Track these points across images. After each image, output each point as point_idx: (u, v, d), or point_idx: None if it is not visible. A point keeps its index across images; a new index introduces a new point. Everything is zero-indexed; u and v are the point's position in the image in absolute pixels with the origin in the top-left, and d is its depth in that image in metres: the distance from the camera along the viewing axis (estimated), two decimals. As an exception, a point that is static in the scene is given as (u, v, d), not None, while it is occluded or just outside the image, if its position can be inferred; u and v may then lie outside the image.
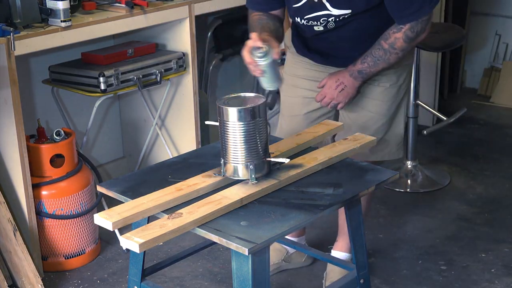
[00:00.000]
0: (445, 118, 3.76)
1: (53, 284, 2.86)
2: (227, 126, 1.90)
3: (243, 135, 1.90)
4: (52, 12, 2.70)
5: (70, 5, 2.79)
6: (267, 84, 2.20)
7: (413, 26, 2.26)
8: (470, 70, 5.18)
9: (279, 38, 2.32)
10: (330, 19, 2.28)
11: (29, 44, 2.63)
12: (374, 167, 2.09)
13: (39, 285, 2.68)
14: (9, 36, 2.54)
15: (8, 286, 2.69)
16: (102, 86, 2.93)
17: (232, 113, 1.89)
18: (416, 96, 3.69)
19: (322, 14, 2.28)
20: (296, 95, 2.59)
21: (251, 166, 1.92)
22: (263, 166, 1.96)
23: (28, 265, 2.68)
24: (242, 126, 1.89)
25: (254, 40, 2.05)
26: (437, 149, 4.17)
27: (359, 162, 2.14)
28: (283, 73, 2.62)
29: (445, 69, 4.80)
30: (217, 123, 1.97)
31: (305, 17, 2.31)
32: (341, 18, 2.28)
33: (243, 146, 1.91)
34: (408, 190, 3.63)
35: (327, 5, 2.24)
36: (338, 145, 2.18)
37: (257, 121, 1.90)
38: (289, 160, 2.00)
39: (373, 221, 3.29)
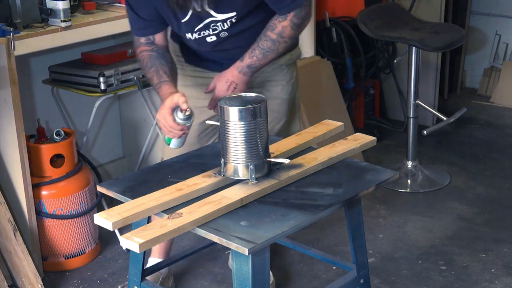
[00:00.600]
0: (445, 118, 3.76)
1: (53, 284, 2.86)
2: (228, 126, 1.90)
3: (243, 135, 1.90)
4: (52, 12, 2.70)
5: (70, 5, 2.79)
6: (177, 143, 2.20)
7: (298, 13, 2.25)
8: (470, 70, 5.18)
9: (176, 75, 2.35)
10: (218, 25, 2.25)
11: (29, 44, 2.63)
12: (374, 167, 2.09)
13: (39, 285, 2.68)
14: (9, 36, 2.54)
15: (8, 286, 2.69)
16: (102, 86, 2.93)
17: (233, 112, 1.89)
18: (416, 96, 3.69)
19: (210, 21, 2.24)
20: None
21: (251, 166, 1.92)
22: (263, 166, 1.96)
23: (28, 265, 2.68)
24: (243, 126, 1.89)
25: (178, 102, 2.09)
26: (437, 149, 4.17)
27: (359, 162, 2.14)
28: None
29: (445, 69, 4.80)
30: (217, 123, 1.96)
31: (196, 30, 2.28)
32: (228, 22, 2.24)
33: (244, 146, 1.91)
34: (408, 190, 3.63)
35: (211, 12, 2.21)
36: (338, 145, 2.18)
37: (258, 121, 1.90)
38: (289, 160, 2.00)
39: (373, 221, 3.29)
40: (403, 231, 3.21)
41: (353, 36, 4.05)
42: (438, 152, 4.12)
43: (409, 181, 3.70)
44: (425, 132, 3.76)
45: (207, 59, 2.44)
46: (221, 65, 2.38)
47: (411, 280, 2.82)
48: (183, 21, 2.25)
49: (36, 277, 2.68)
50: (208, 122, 2.15)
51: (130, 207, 1.82)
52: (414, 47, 3.58)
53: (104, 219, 1.76)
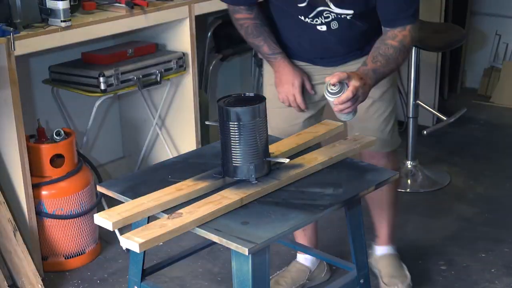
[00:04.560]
0: (445, 118, 3.76)
1: (53, 284, 2.86)
2: (227, 126, 1.90)
3: (243, 135, 1.90)
4: (52, 12, 2.70)
5: (70, 5, 2.79)
6: (347, 116, 2.16)
7: (413, 28, 2.26)
8: (470, 70, 5.18)
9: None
10: (332, 16, 2.28)
11: (29, 44, 2.63)
12: (374, 167, 2.09)
13: (39, 285, 2.68)
14: (9, 36, 2.54)
15: (8, 286, 2.69)
16: (102, 86, 2.93)
17: (233, 113, 1.89)
18: (416, 96, 3.69)
19: (323, 10, 2.26)
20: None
21: (251, 166, 1.92)
22: (263, 166, 1.96)
23: (28, 265, 2.68)
24: (242, 126, 1.89)
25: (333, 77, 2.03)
26: (437, 149, 4.17)
27: (359, 162, 2.14)
28: (267, 80, 2.58)
29: (445, 69, 4.80)
30: (217, 123, 1.96)
31: (310, 16, 2.30)
32: (342, 17, 2.27)
33: (243, 146, 1.91)
34: (408, 190, 3.63)
35: (329, 3, 2.24)
36: (338, 145, 2.18)
37: (257, 121, 1.90)
38: (289, 160, 2.00)
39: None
40: (403, 231, 3.21)
41: (353, 36, 4.04)
42: (438, 152, 4.12)
43: (409, 181, 3.69)
44: (425, 132, 3.76)
45: (303, 50, 2.44)
46: (312, 61, 2.44)
47: (411, 280, 2.82)
48: (300, 5, 2.27)
49: (36, 277, 2.68)
50: (207, 122, 2.15)
51: (130, 207, 1.82)
52: (414, 47, 3.58)
53: (104, 219, 1.76)
